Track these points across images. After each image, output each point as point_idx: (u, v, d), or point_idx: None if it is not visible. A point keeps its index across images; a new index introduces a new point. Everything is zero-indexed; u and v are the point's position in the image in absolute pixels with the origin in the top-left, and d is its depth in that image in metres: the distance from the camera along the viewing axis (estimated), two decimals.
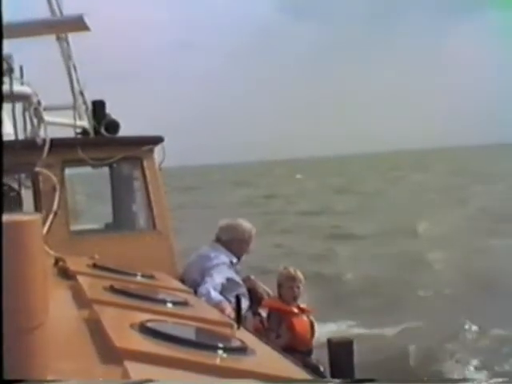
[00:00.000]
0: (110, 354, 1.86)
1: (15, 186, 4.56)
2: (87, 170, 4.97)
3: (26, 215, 1.64)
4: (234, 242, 4.54)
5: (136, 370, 1.66)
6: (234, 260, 4.48)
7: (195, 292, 3.78)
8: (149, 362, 1.81)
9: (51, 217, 4.27)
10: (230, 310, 3.78)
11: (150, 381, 1.62)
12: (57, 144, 4.40)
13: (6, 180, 4.57)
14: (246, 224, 4.69)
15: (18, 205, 4.44)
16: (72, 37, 5.02)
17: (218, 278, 4.17)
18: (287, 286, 4.43)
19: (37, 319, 1.52)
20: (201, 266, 4.32)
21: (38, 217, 1.66)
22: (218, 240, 4.57)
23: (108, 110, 5.01)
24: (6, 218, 1.57)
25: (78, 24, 4.30)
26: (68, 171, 4.66)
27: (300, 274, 4.66)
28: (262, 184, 50.42)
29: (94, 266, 3.59)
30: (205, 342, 2.15)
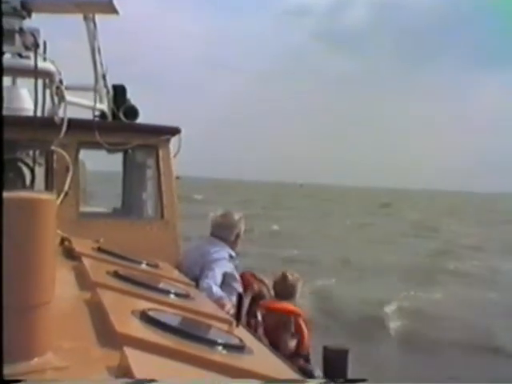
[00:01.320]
0: (110, 338, 1.87)
1: (29, 161, 4.58)
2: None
3: (42, 194, 1.65)
4: (230, 236, 4.57)
5: (134, 356, 1.67)
6: (233, 254, 4.51)
7: (196, 285, 3.80)
8: (147, 349, 1.82)
9: (62, 196, 4.30)
10: (229, 306, 3.80)
11: (154, 381, 1.63)
12: (74, 125, 4.42)
13: (19, 155, 4.60)
14: (236, 215, 4.70)
15: (30, 181, 4.47)
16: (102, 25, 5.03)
17: (219, 272, 4.20)
18: (283, 286, 4.48)
19: (44, 297, 1.54)
20: (201, 261, 4.34)
21: (54, 197, 1.68)
22: (214, 234, 4.58)
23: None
24: (22, 194, 1.59)
25: (106, 6, 4.32)
26: (82, 154, 4.68)
27: (296, 277, 4.68)
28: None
29: (99, 249, 3.61)
30: (204, 336, 2.16)
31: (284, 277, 4.70)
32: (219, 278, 4.16)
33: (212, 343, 2.08)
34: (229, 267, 4.34)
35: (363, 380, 2.07)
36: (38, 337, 1.54)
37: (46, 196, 1.61)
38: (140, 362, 1.65)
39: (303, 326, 4.48)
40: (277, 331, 4.30)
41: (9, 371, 1.46)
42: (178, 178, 4.86)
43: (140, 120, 4.91)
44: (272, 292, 4.71)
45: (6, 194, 1.57)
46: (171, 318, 2.25)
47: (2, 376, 1.32)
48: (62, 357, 1.59)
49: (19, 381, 1.33)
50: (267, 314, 4.36)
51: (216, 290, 3.99)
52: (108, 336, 1.89)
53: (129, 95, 5.11)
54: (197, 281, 3.96)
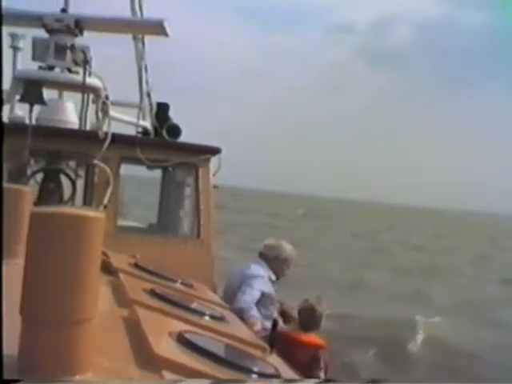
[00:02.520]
0: (148, 360, 1.86)
1: (71, 173, 4.65)
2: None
3: (91, 211, 1.66)
4: (276, 261, 4.66)
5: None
6: (273, 277, 4.55)
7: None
8: (184, 374, 1.80)
9: (101, 210, 4.34)
10: (259, 327, 3.78)
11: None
12: (117, 140, 4.48)
13: (61, 166, 4.68)
14: (289, 246, 4.81)
15: (71, 193, 4.53)
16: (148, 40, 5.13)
17: (258, 289, 4.23)
18: (310, 316, 4.41)
19: (87, 314, 1.54)
20: (241, 275, 4.40)
21: (102, 215, 1.68)
22: (262, 256, 4.65)
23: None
24: (72, 210, 1.60)
25: (157, 28, 4.40)
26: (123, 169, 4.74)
27: (324, 308, 4.59)
28: None
29: (136, 265, 3.62)
30: (239, 363, 2.13)
31: (312, 308, 4.62)
32: (257, 295, 4.20)
33: (248, 371, 2.05)
34: (267, 287, 4.35)
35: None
36: (79, 354, 1.53)
37: (94, 213, 1.61)
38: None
39: (328, 358, 4.42)
40: (309, 365, 4.22)
41: None
42: (215, 187, 4.89)
43: (183, 130, 4.95)
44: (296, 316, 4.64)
45: (55, 209, 1.58)
46: (207, 342, 2.23)
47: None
48: (101, 376, 1.58)
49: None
50: (297, 346, 4.28)
51: (249, 307, 4.02)
52: (146, 357, 1.88)
53: (171, 112, 5.18)
54: (236, 292, 3.99)
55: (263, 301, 4.24)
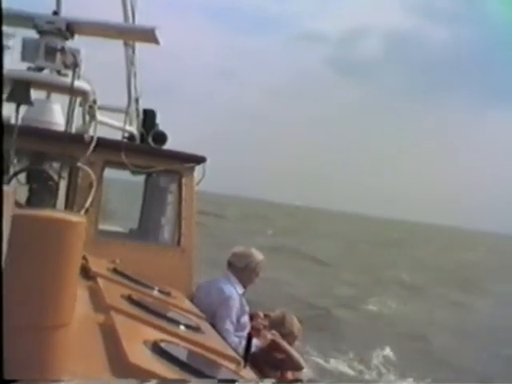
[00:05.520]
0: (123, 368, 1.87)
1: (54, 175, 4.62)
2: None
3: (72, 215, 1.66)
4: (245, 270, 4.54)
5: None
6: (241, 291, 4.46)
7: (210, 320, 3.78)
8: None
9: (82, 213, 4.33)
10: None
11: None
12: (102, 144, 4.47)
13: (45, 167, 4.66)
14: (258, 254, 4.67)
15: (53, 195, 4.51)
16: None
17: (234, 315, 4.20)
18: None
19: (64, 319, 1.55)
20: (215, 299, 4.27)
21: (84, 219, 1.69)
22: (230, 266, 4.56)
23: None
24: (55, 214, 1.61)
25: (148, 36, 4.41)
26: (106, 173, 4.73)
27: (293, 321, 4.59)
28: None
29: (115, 270, 3.62)
30: (213, 375, 2.14)
31: (283, 319, 4.62)
32: (235, 320, 4.17)
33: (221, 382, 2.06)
34: (239, 305, 4.30)
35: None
36: (54, 359, 1.54)
37: (76, 218, 1.62)
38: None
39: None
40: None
41: None
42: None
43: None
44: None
45: (37, 212, 1.59)
46: (182, 352, 2.24)
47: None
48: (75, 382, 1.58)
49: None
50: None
51: (235, 341, 3.99)
52: (121, 365, 1.88)
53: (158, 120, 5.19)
54: (210, 314, 3.94)
55: (236, 326, 4.22)
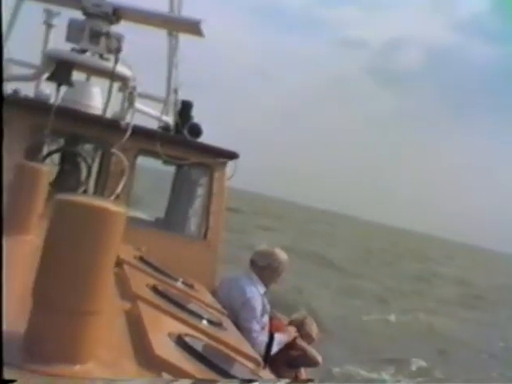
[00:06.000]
0: (148, 359, 1.87)
1: (87, 158, 4.66)
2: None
3: (113, 204, 1.66)
4: (268, 269, 4.48)
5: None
6: (263, 291, 4.42)
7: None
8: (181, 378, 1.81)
9: (112, 199, 4.36)
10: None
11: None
12: (138, 131, 4.50)
13: (79, 150, 4.69)
14: (282, 254, 4.60)
15: (84, 178, 4.55)
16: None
17: (259, 314, 4.19)
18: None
19: (97, 306, 1.55)
20: (236, 299, 4.23)
21: (124, 210, 1.68)
22: (252, 264, 4.52)
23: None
24: (98, 202, 1.60)
25: (193, 28, 4.42)
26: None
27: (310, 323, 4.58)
28: None
29: (141, 258, 3.63)
30: (233, 373, 2.13)
31: (303, 322, 4.62)
32: (260, 320, 4.16)
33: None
34: (261, 305, 4.28)
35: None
36: (83, 344, 1.54)
37: (117, 208, 1.62)
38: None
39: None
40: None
41: (52, 370, 1.46)
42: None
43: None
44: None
45: (81, 198, 1.59)
46: (205, 348, 2.24)
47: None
48: (101, 369, 1.59)
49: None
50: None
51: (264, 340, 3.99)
52: (146, 356, 1.89)
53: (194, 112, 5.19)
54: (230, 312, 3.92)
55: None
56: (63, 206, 1.53)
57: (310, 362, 4.41)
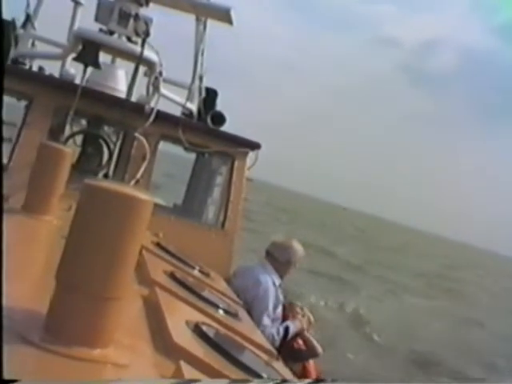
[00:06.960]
0: (166, 346, 1.88)
1: (110, 142, 4.66)
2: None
3: (142, 192, 1.65)
4: (284, 263, 4.47)
5: (189, 373, 1.67)
6: (278, 282, 4.42)
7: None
8: (198, 367, 1.81)
9: (132, 183, 4.37)
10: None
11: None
12: (161, 117, 4.49)
13: (102, 132, 4.69)
14: (298, 247, 4.60)
15: (106, 161, 4.56)
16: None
17: (271, 307, 4.18)
18: None
19: (121, 293, 1.55)
20: (250, 289, 4.23)
21: (152, 199, 1.67)
22: (268, 255, 4.52)
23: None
24: (124, 188, 1.60)
25: (223, 15, 4.39)
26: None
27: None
28: None
29: (158, 245, 3.64)
30: (250, 366, 2.13)
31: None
32: (271, 313, 4.16)
33: (258, 376, 2.06)
34: (275, 297, 4.27)
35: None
36: (104, 329, 1.55)
37: (146, 197, 1.62)
38: (193, 381, 1.64)
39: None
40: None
41: (72, 353, 1.47)
42: (249, 180, 4.86)
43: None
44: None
45: (111, 184, 1.59)
46: (222, 338, 2.25)
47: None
48: (120, 354, 1.59)
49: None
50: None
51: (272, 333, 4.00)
52: (164, 343, 1.90)
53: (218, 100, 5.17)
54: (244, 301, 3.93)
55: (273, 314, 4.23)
56: (92, 191, 1.53)
57: (313, 354, 4.44)
